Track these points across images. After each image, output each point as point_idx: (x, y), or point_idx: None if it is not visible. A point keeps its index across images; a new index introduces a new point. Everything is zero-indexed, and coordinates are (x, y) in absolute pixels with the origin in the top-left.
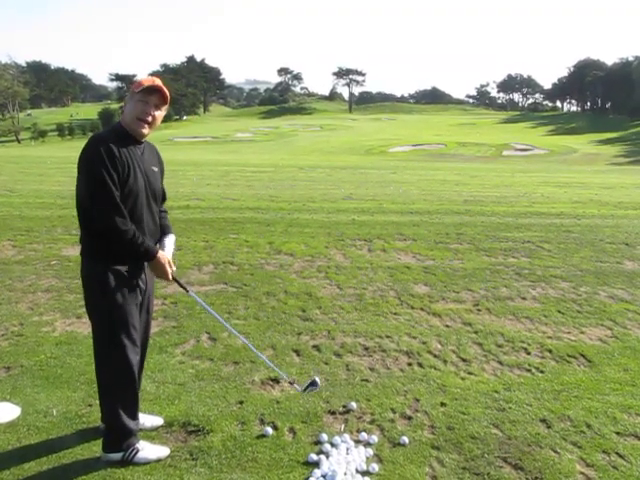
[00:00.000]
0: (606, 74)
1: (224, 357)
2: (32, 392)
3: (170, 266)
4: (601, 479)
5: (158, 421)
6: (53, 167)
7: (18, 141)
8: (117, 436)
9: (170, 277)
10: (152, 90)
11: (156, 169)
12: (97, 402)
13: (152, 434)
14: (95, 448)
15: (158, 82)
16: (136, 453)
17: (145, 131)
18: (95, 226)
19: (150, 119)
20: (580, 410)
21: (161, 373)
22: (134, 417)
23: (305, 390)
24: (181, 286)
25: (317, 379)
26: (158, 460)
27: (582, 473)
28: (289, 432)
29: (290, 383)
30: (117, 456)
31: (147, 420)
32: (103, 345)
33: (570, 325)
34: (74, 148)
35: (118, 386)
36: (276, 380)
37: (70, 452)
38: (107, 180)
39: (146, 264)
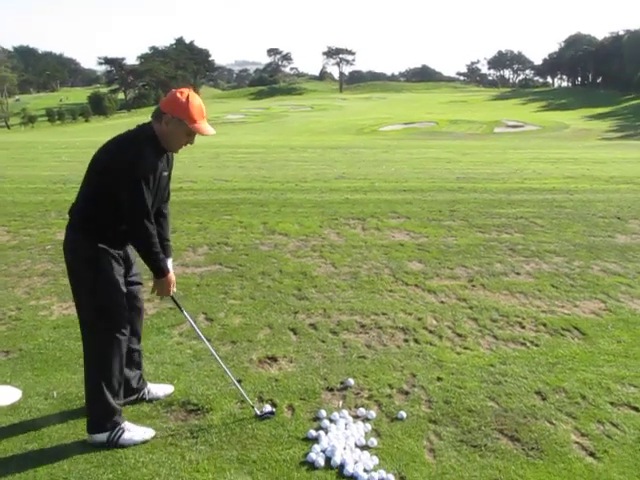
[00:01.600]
0: (597, 49)
1: (221, 337)
2: (32, 375)
3: (173, 286)
4: (596, 448)
5: (170, 389)
6: (44, 152)
7: (7, 127)
8: (101, 415)
9: (170, 295)
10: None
11: (166, 173)
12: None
13: (153, 413)
14: None
15: (211, 130)
16: (122, 434)
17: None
18: (129, 227)
19: None
20: (575, 382)
21: (159, 354)
22: (118, 395)
23: (262, 415)
24: (177, 305)
25: (274, 410)
26: (144, 441)
27: (577, 443)
28: (288, 409)
29: (252, 406)
30: (103, 437)
31: (159, 390)
32: (90, 324)
33: (564, 299)
34: (65, 133)
35: (104, 363)
36: (274, 358)
37: (72, 433)
38: (148, 196)
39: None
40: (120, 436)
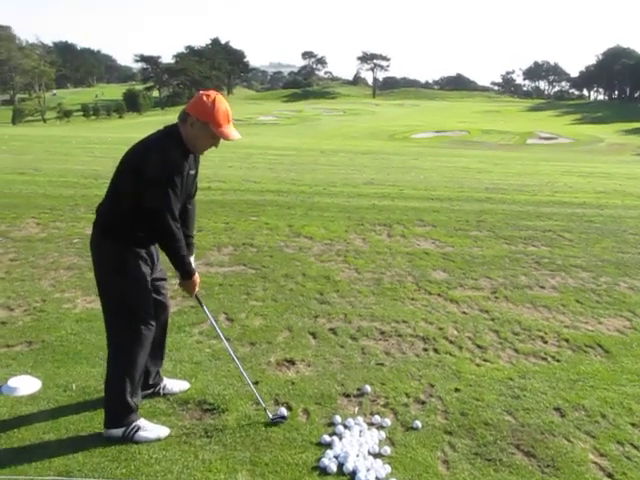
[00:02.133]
0: (635, 62)
1: (241, 337)
2: (52, 367)
3: (198, 287)
4: (614, 469)
5: (185, 385)
6: (78, 147)
7: (44, 120)
8: (118, 411)
9: (194, 295)
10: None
11: (193, 172)
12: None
13: (169, 411)
14: None
15: (237, 135)
16: (137, 431)
17: None
18: (155, 229)
19: None
20: (595, 400)
21: (178, 352)
22: (137, 394)
23: (274, 419)
24: (200, 303)
25: (286, 413)
26: (158, 439)
27: (595, 462)
28: (303, 413)
29: (264, 409)
30: (118, 432)
31: (175, 385)
32: (115, 320)
33: (588, 315)
34: (99, 129)
35: (127, 359)
36: (292, 361)
37: (88, 426)
38: (174, 198)
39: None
40: (135, 433)
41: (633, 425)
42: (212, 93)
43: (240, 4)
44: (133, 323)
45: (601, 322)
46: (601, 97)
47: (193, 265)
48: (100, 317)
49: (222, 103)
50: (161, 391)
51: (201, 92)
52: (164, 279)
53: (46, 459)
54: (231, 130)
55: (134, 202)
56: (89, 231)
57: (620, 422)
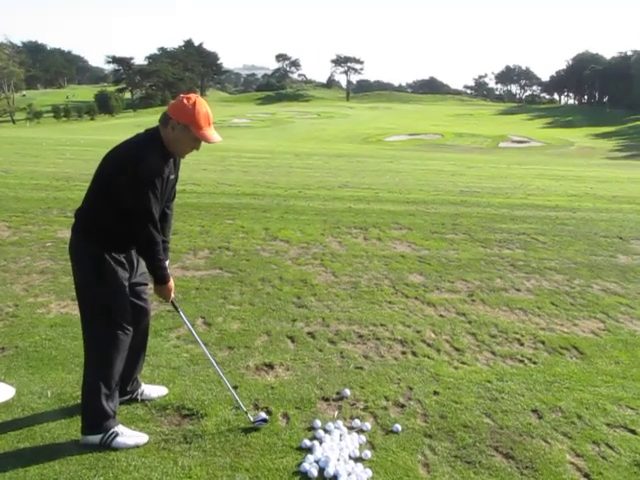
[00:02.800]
0: (604, 68)
1: (219, 342)
2: (26, 373)
3: (172, 292)
4: (590, 469)
5: (163, 391)
6: (48, 149)
7: (13, 122)
8: (96, 417)
9: (169, 301)
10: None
11: (172, 177)
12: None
13: (147, 416)
14: None
15: (217, 137)
16: (115, 437)
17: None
18: (134, 232)
19: None
20: (571, 401)
21: (156, 357)
22: (114, 399)
23: (255, 422)
24: (175, 308)
25: (266, 417)
26: (136, 446)
27: (572, 463)
28: (283, 418)
29: (245, 412)
30: (96, 439)
31: (153, 391)
32: (92, 325)
33: (563, 317)
34: (70, 130)
35: (103, 365)
36: (270, 366)
37: (64, 433)
38: (154, 201)
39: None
40: (113, 439)
41: (608, 425)
42: (193, 96)
43: (214, 5)
44: (110, 328)
45: (576, 324)
46: (571, 101)
47: (168, 270)
48: (75, 322)
49: (203, 106)
50: (139, 397)
51: (182, 95)
52: (145, 284)
53: (21, 468)
54: (212, 133)
55: (112, 206)
56: (62, 234)
57: (596, 423)
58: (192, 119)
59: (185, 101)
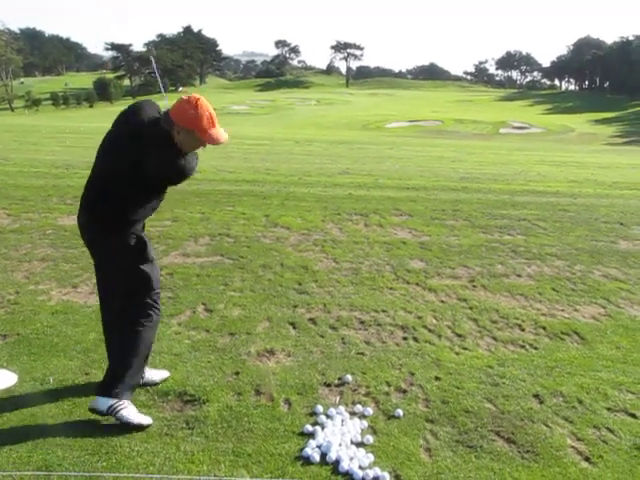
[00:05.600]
0: (605, 53)
1: (220, 328)
2: (28, 360)
3: None
4: (591, 452)
5: (165, 374)
6: (48, 136)
7: (12, 109)
8: (117, 382)
9: None
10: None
11: None
12: (93, 371)
13: (149, 402)
14: (92, 416)
15: (224, 137)
16: (123, 408)
17: None
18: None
19: None
20: (572, 386)
21: (157, 343)
22: (139, 375)
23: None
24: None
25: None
26: (139, 425)
27: (573, 447)
28: (284, 403)
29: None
30: (105, 404)
31: (155, 375)
32: (128, 302)
33: (564, 303)
34: (69, 118)
35: (140, 342)
36: (272, 352)
37: (67, 419)
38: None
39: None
40: (121, 410)
41: (609, 410)
42: (193, 99)
43: None
44: (145, 306)
45: (577, 309)
46: (572, 87)
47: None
48: (76, 309)
49: (205, 109)
50: (140, 380)
51: (183, 98)
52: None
53: (24, 454)
54: (218, 133)
55: (127, 180)
56: (62, 222)
57: (596, 407)
58: (196, 124)
59: (187, 106)
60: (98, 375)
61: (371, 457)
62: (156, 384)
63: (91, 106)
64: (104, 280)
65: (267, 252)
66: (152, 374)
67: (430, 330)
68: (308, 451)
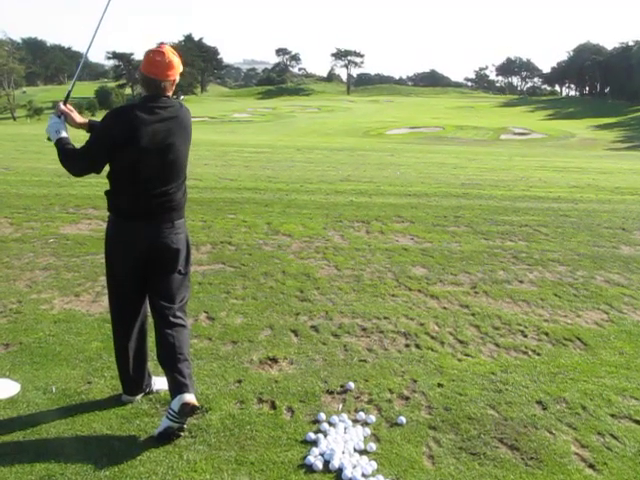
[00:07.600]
0: (605, 59)
1: (222, 336)
2: (31, 369)
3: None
4: (595, 459)
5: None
6: (50, 145)
7: (14, 118)
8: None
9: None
10: None
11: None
12: (95, 380)
13: (151, 411)
14: (95, 425)
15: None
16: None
17: None
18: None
19: None
20: (575, 392)
21: None
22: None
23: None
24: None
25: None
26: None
27: (577, 454)
28: (287, 411)
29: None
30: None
31: (163, 383)
32: (187, 301)
33: (567, 308)
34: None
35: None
36: (274, 359)
37: (70, 428)
38: None
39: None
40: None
41: (613, 416)
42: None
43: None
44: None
45: (579, 315)
46: (572, 93)
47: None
48: (78, 318)
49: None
50: (147, 389)
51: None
52: None
53: (27, 464)
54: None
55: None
56: (64, 231)
57: (600, 413)
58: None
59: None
60: (100, 384)
61: (374, 465)
62: (158, 394)
63: (93, 115)
64: (185, 285)
65: (269, 260)
66: (162, 382)
67: (432, 337)
68: (311, 459)
